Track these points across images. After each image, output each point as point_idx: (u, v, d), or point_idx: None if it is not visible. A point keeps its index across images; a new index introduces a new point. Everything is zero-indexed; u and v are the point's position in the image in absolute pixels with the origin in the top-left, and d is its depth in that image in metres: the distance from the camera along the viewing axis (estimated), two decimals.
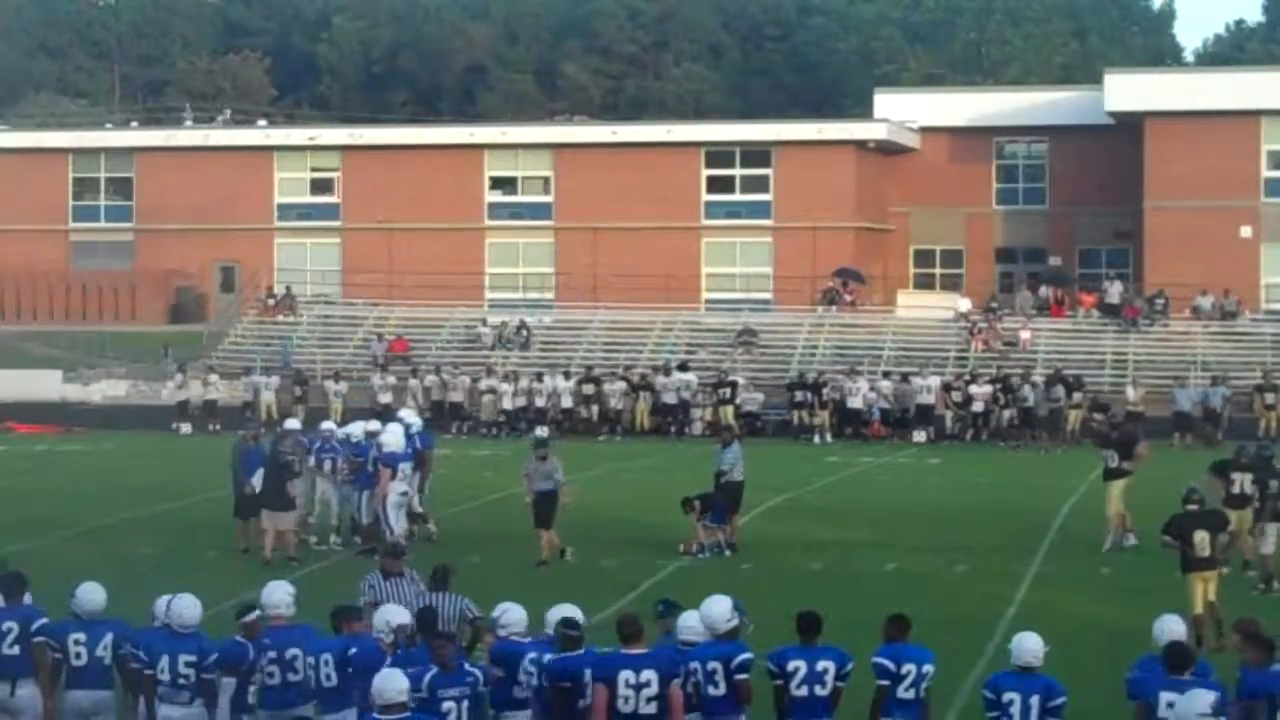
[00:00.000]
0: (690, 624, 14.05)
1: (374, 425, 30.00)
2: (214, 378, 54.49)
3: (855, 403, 51.18)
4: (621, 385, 52.60)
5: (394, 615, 14.71)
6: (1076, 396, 49.97)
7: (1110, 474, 28.51)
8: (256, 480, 27.79)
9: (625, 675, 13.33)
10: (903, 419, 50.99)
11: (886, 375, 52.67)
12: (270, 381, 54.06)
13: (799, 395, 51.48)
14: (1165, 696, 13.04)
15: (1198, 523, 21.06)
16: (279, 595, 15.08)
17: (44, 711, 14.88)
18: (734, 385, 52.19)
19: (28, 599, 15.46)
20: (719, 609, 14.01)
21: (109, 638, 14.89)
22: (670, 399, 51.90)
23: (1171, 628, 13.93)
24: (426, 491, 30.08)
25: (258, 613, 14.82)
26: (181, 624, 14.56)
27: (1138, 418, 49.12)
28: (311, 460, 29.25)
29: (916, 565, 27.30)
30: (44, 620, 15.00)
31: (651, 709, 13.32)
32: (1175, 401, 49.69)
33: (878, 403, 51.25)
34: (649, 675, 13.31)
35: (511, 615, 14.56)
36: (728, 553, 28.08)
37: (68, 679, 14.86)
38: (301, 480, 28.58)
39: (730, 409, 51.14)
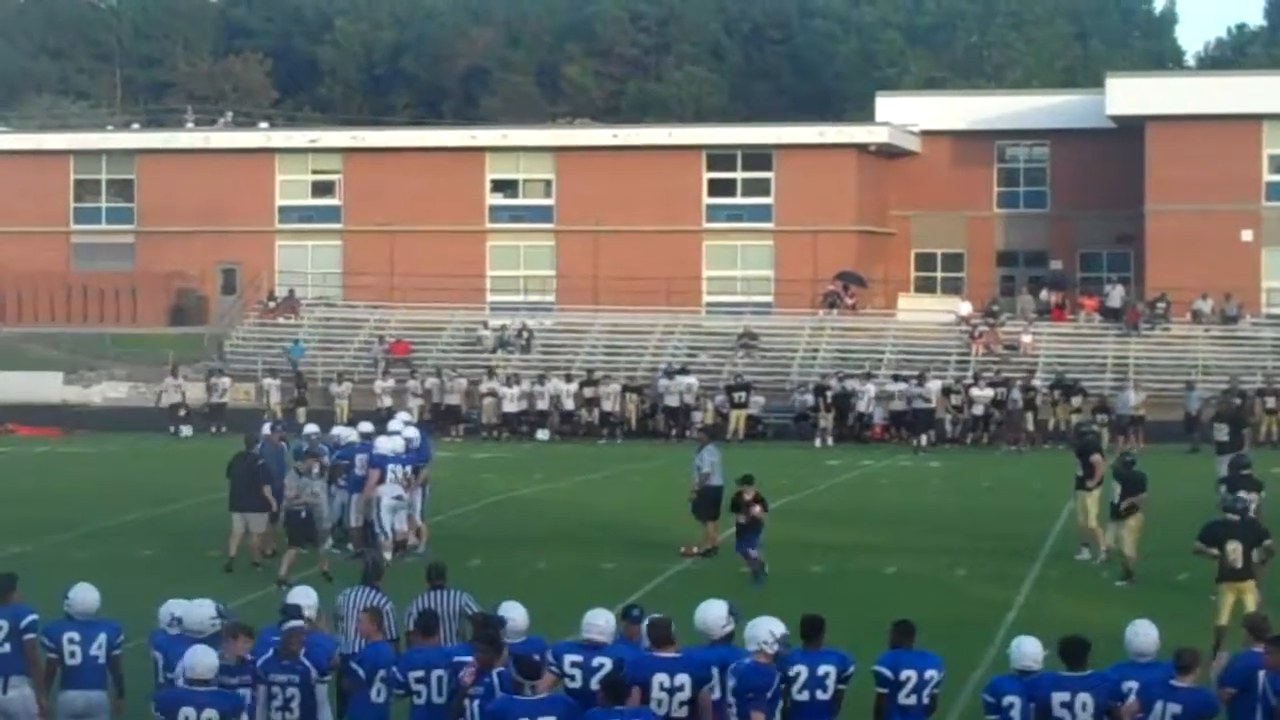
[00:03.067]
0: (595, 623, 14.03)
1: (366, 427, 29.92)
2: (224, 380, 54.46)
3: (862, 406, 51.17)
4: (615, 388, 52.59)
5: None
6: (1076, 400, 50.02)
7: (1078, 483, 28.54)
8: (290, 480, 27.08)
9: (659, 679, 13.38)
10: (904, 422, 51.02)
11: (897, 378, 52.42)
12: (274, 384, 54.17)
13: (815, 399, 51.50)
14: (1057, 697, 13.17)
15: (1232, 533, 21.03)
16: (304, 601, 15.05)
17: (39, 710, 14.88)
18: (748, 389, 52.22)
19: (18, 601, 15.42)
20: (714, 614, 14.03)
21: (103, 638, 14.88)
22: (673, 402, 51.89)
23: (1144, 631, 13.91)
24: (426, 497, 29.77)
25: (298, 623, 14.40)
26: (197, 630, 14.49)
27: (1139, 421, 49.36)
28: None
29: (917, 568, 27.30)
30: (34, 617, 14.95)
31: (683, 713, 13.38)
32: (1119, 405, 49.62)
33: (886, 405, 51.15)
34: (683, 679, 13.38)
35: (514, 616, 14.64)
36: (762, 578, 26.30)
37: (63, 679, 14.84)
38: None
39: (743, 414, 51.19)
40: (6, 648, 14.83)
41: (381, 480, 27.58)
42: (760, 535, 26.58)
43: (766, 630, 13.59)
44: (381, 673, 14.29)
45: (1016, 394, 50.20)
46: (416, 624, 14.98)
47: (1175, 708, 13.04)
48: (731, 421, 50.95)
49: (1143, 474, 26.60)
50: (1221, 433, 36.14)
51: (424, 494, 29.07)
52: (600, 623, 13.97)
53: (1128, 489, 26.20)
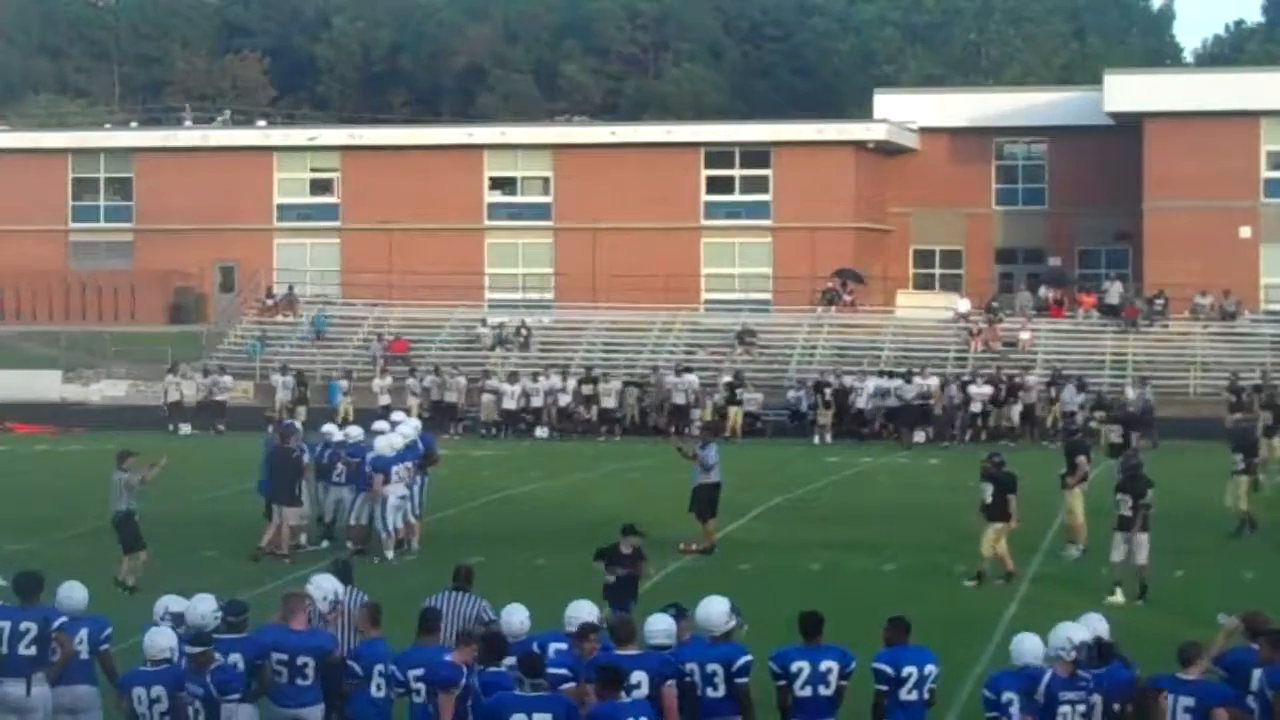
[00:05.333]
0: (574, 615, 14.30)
1: (381, 426, 29.99)
2: (226, 378, 54.42)
3: (861, 402, 51.11)
4: (615, 384, 52.55)
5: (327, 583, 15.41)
6: (1080, 398, 49.90)
7: (1061, 481, 28.55)
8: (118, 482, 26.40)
9: None
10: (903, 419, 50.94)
11: (893, 375, 52.30)
12: (287, 380, 54.15)
13: (814, 396, 51.40)
14: (1065, 694, 13.25)
15: None
16: (330, 584, 15.41)
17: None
18: (743, 385, 52.18)
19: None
20: (716, 610, 14.02)
21: (84, 633, 14.93)
22: (680, 399, 51.81)
23: (1094, 625, 13.99)
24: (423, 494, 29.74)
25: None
26: (199, 626, 14.54)
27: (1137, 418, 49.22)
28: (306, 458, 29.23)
29: (916, 565, 27.29)
30: (64, 619, 14.97)
31: None
32: (1067, 402, 49.34)
33: (885, 402, 51.09)
34: (639, 676, 13.34)
35: (513, 617, 14.71)
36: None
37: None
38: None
39: (739, 410, 51.16)
40: (34, 649, 14.82)
41: (387, 481, 27.58)
42: (635, 598, 19.73)
43: (1064, 637, 13.53)
44: (379, 667, 14.35)
45: (953, 390, 50.12)
46: (419, 621, 14.99)
47: (1187, 700, 13.11)
48: (730, 418, 50.90)
49: (1013, 475, 26.44)
50: (1114, 434, 35.83)
51: (416, 491, 29.01)
52: (571, 613, 14.38)
53: (998, 489, 25.95)
